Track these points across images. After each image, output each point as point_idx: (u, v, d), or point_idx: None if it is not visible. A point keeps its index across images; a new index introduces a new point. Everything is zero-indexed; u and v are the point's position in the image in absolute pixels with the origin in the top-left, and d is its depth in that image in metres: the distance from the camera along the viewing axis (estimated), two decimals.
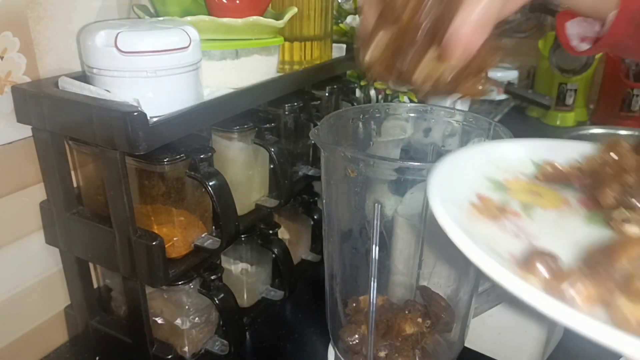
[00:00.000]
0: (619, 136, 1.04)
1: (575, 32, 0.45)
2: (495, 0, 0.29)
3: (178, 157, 0.43)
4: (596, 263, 0.22)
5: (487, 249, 0.22)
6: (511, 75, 1.23)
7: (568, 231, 0.26)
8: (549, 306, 0.19)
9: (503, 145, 0.34)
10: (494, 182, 0.30)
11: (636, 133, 1.02)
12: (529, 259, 0.22)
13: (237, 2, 0.49)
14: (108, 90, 0.41)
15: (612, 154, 0.30)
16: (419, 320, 0.43)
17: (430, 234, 0.48)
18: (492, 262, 0.21)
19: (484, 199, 0.28)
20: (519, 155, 0.33)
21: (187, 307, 0.49)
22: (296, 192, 0.61)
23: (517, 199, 0.29)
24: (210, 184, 0.44)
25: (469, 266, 0.45)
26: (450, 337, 0.46)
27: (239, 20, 0.48)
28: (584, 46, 0.44)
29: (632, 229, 0.24)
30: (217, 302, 0.49)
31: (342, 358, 0.47)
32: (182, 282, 0.47)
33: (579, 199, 0.30)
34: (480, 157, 0.32)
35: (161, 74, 0.41)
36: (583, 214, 0.28)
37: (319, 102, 0.62)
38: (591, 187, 0.30)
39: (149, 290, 0.48)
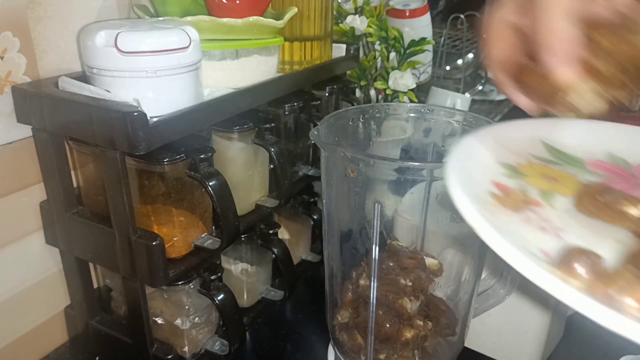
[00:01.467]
0: None
1: None
2: None
3: (178, 157, 0.43)
4: None
5: (521, 248, 0.20)
6: None
7: (593, 223, 0.25)
8: (600, 313, 0.18)
9: (512, 126, 0.34)
10: (508, 167, 0.29)
11: None
12: (568, 258, 0.20)
13: (237, 2, 0.49)
14: (108, 90, 0.41)
15: None
16: (419, 323, 0.43)
17: (430, 233, 0.48)
18: (531, 264, 0.19)
19: (503, 188, 0.27)
20: (529, 135, 0.32)
21: (187, 307, 0.49)
22: (296, 192, 0.61)
23: (534, 186, 0.28)
24: (210, 184, 0.44)
25: (469, 266, 0.45)
26: (450, 338, 0.46)
27: (239, 20, 0.48)
28: None
29: None
30: (217, 302, 0.49)
31: (342, 358, 0.47)
32: (182, 282, 0.47)
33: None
34: (491, 141, 0.31)
35: (161, 74, 0.41)
36: None
37: (319, 102, 0.62)
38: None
39: (149, 290, 0.48)
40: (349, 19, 0.76)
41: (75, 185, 0.49)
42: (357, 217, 0.45)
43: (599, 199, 0.26)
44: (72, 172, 0.48)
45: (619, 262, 0.22)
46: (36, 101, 0.43)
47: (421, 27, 0.96)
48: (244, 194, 0.53)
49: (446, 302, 0.46)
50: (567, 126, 0.33)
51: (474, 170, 0.27)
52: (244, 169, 0.53)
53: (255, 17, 0.49)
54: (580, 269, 0.20)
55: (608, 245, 0.23)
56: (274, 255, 0.57)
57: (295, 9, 0.55)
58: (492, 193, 0.26)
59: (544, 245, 0.23)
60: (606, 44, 0.29)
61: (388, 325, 0.42)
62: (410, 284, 0.43)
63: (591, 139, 0.33)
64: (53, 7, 0.46)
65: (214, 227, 0.48)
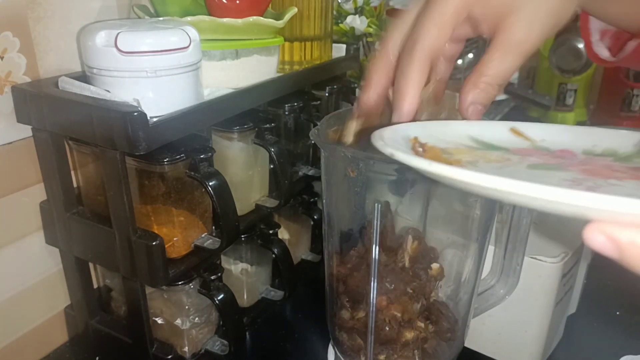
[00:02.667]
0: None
1: (597, 27, 0.43)
2: None
3: (178, 157, 0.43)
4: None
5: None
6: None
7: (512, 170, 0.27)
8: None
9: (441, 123, 0.35)
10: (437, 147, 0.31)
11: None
12: None
13: (237, 2, 0.49)
14: (108, 91, 0.41)
15: None
16: (420, 324, 0.43)
17: (430, 233, 0.48)
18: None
19: (428, 147, 0.29)
20: (457, 130, 0.33)
21: (187, 307, 0.49)
22: (296, 192, 0.61)
23: (460, 158, 0.29)
24: (210, 184, 0.44)
25: (469, 266, 0.45)
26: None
27: (239, 21, 0.48)
28: (604, 52, 0.43)
29: None
30: (217, 302, 0.49)
31: (342, 358, 0.47)
32: (182, 282, 0.47)
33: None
34: (420, 129, 0.32)
35: (161, 74, 0.41)
36: (526, 164, 0.29)
37: (319, 102, 0.62)
38: None
39: (149, 290, 0.48)
40: (349, 19, 0.76)
41: (75, 185, 0.49)
42: (357, 217, 0.45)
43: None
44: (72, 172, 0.48)
45: None
46: (36, 101, 0.43)
47: None
48: (244, 194, 0.53)
49: (446, 302, 0.46)
50: (494, 125, 0.35)
51: (400, 138, 0.29)
52: (244, 169, 0.53)
53: (255, 17, 0.49)
54: None
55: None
56: (274, 255, 0.57)
57: (295, 9, 0.55)
58: (417, 150, 0.29)
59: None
60: None
61: (388, 329, 0.42)
62: (411, 291, 0.43)
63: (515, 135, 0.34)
64: (53, 7, 0.46)
65: (214, 227, 0.48)
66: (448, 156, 0.29)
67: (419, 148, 0.29)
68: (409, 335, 0.43)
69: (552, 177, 0.26)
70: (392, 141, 0.28)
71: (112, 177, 0.41)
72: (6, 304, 0.49)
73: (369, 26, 0.76)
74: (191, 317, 0.50)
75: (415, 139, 0.30)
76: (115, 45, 0.40)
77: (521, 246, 0.45)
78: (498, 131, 0.34)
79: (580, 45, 1.08)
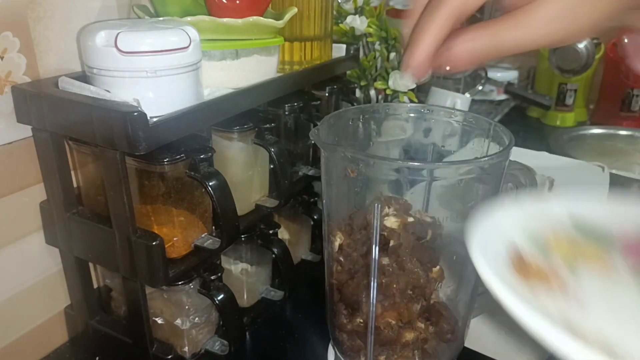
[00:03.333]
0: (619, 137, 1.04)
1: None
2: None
3: (178, 157, 0.43)
4: None
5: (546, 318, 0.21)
6: (511, 75, 1.24)
7: (619, 292, 0.25)
8: None
9: (536, 202, 0.33)
10: (533, 238, 0.29)
11: (636, 133, 1.02)
12: None
13: (237, 2, 0.49)
14: (108, 91, 0.41)
15: None
16: (421, 325, 0.43)
17: None
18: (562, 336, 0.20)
19: (530, 264, 0.27)
20: (557, 210, 0.31)
21: (187, 307, 0.49)
22: (296, 192, 0.61)
23: (558, 253, 0.27)
24: (210, 184, 0.44)
25: (469, 266, 0.45)
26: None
27: (239, 21, 0.48)
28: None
29: None
30: (217, 302, 0.49)
31: (342, 358, 0.47)
32: (182, 282, 0.47)
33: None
34: (518, 224, 0.30)
35: (161, 74, 0.41)
36: (631, 271, 0.26)
37: (319, 102, 0.62)
38: None
39: (149, 290, 0.48)
40: (349, 19, 0.76)
41: (75, 185, 0.49)
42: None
43: None
44: (72, 172, 0.48)
45: None
46: (36, 101, 0.43)
47: None
48: (244, 194, 0.53)
49: (446, 302, 0.46)
50: (594, 199, 0.33)
51: (496, 237, 0.28)
52: (244, 169, 0.53)
53: (255, 17, 0.49)
54: None
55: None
56: (274, 255, 0.57)
57: (295, 9, 0.55)
58: (513, 260, 0.26)
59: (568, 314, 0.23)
60: None
61: (387, 330, 0.42)
62: (411, 292, 0.43)
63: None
64: (53, 7, 0.46)
65: (214, 227, 0.48)
66: (544, 255, 0.27)
67: (520, 266, 0.26)
68: (409, 336, 0.43)
69: None
70: (489, 251, 0.25)
71: (112, 177, 0.41)
72: (6, 304, 0.49)
73: (369, 26, 0.76)
74: (191, 317, 0.50)
75: (516, 252, 0.27)
76: (115, 45, 0.40)
77: None
78: (599, 207, 0.31)
79: (580, 46, 1.08)
